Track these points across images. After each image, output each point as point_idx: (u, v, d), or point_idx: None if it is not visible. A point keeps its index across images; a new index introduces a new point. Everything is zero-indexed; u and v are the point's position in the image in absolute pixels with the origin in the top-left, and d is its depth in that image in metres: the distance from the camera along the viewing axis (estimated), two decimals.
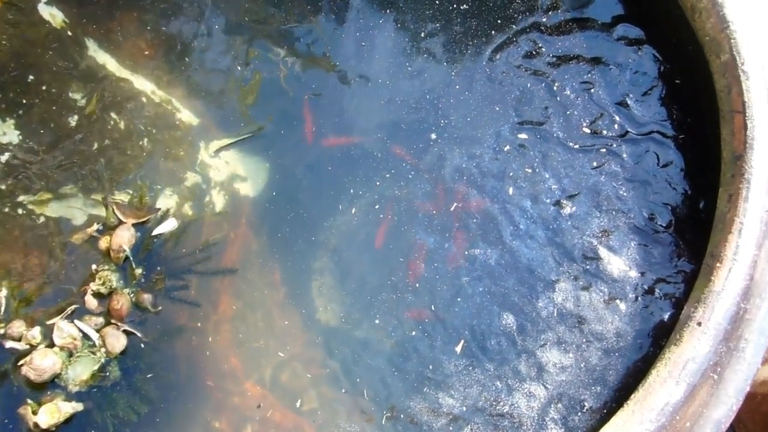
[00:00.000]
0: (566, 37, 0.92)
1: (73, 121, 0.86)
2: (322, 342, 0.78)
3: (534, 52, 0.91)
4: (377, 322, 0.80)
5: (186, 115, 0.85)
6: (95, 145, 0.84)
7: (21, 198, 0.80)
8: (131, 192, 0.79)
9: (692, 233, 0.84)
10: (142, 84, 0.85)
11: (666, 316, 0.81)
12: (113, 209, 0.76)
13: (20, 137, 0.82)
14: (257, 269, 0.80)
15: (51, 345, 0.68)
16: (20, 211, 0.80)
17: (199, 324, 0.76)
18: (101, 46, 0.85)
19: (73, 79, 0.85)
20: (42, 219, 0.79)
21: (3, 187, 0.79)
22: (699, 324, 0.73)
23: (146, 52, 0.87)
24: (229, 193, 0.83)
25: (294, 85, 0.89)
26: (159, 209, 0.78)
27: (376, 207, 0.85)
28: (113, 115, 0.86)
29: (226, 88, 0.87)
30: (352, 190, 0.86)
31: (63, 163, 0.83)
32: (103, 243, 0.74)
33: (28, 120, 0.83)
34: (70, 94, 0.86)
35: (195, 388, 0.75)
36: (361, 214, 0.85)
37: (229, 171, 0.83)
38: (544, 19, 0.92)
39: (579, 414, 0.78)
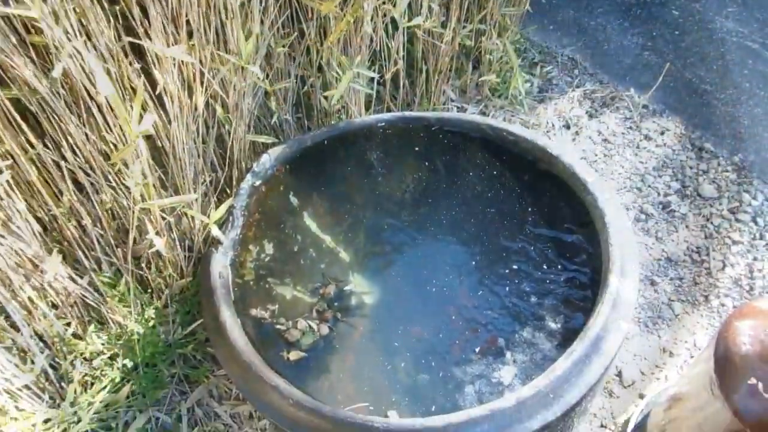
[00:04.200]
0: None
1: (296, 247, 1.51)
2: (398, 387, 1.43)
3: None
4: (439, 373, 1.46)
5: (343, 255, 1.48)
6: (302, 261, 1.60)
7: (269, 278, 1.60)
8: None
9: None
10: (326, 238, 1.48)
11: None
12: (325, 274, 1.55)
13: (273, 251, 1.62)
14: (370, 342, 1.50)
15: (296, 327, 1.43)
16: (266, 285, 1.60)
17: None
18: (308, 216, 1.51)
19: (296, 232, 1.50)
20: (275, 292, 1.54)
21: (263, 272, 1.58)
22: None
23: (330, 222, 1.48)
24: (360, 299, 1.60)
25: None
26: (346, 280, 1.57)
27: None
28: (311, 251, 1.67)
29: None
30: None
31: (287, 266, 1.57)
32: (322, 290, 1.52)
33: (276, 245, 1.61)
34: (293, 248, 1.66)
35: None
36: None
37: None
38: None
39: None
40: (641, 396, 1.68)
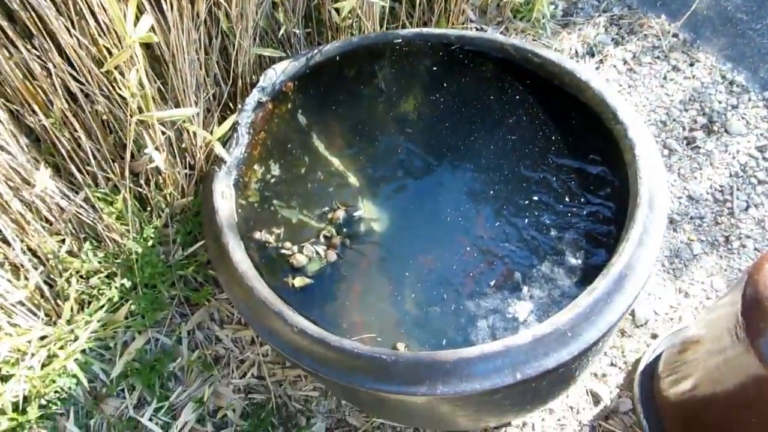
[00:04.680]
0: None
1: (303, 168, 1.40)
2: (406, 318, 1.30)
3: None
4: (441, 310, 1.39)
5: (352, 180, 1.36)
6: (309, 185, 1.41)
7: (274, 201, 1.50)
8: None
9: None
10: (333, 160, 1.39)
11: None
12: (335, 201, 1.47)
13: (279, 171, 1.52)
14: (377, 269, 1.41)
15: (301, 252, 1.36)
16: (272, 207, 1.51)
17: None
18: (317, 137, 1.42)
19: (304, 149, 1.42)
20: (279, 216, 1.45)
21: (268, 194, 1.47)
22: None
23: (340, 144, 1.40)
24: (369, 224, 1.51)
25: None
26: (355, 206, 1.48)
27: None
28: (319, 173, 1.56)
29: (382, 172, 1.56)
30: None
31: (293, 188, 1.37)
32: (330, 215, 1.43)
33: (282, 165, 1.42)
34: (303, 157, 1.48)
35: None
36: None
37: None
38: None
39: None
40: (654, 336, 1.63)
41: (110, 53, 1.16)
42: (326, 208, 1.30)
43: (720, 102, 2.14)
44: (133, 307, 1.37)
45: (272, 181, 1.36)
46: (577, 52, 2.25)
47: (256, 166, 1.38)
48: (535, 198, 1.32)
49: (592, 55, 2.26)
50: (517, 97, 1.48)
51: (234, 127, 1.34)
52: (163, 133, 1.32)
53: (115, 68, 1.14)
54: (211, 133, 1.26)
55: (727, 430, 1.33)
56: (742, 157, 2.00)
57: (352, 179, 1.37)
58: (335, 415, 1.47)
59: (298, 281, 1.23)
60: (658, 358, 1.56)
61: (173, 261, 1.44)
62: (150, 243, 1.40)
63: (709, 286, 1.75)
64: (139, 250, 1.37)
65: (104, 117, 1.34)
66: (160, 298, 1.43)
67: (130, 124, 1.22)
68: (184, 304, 1.49)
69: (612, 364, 1.59)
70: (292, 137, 1.43)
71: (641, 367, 1.57)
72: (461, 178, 1.37)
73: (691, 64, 2.24)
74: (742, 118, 2.08)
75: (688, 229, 1.86)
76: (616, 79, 2.21)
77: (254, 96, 1.41)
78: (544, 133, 1.41)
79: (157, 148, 1.29)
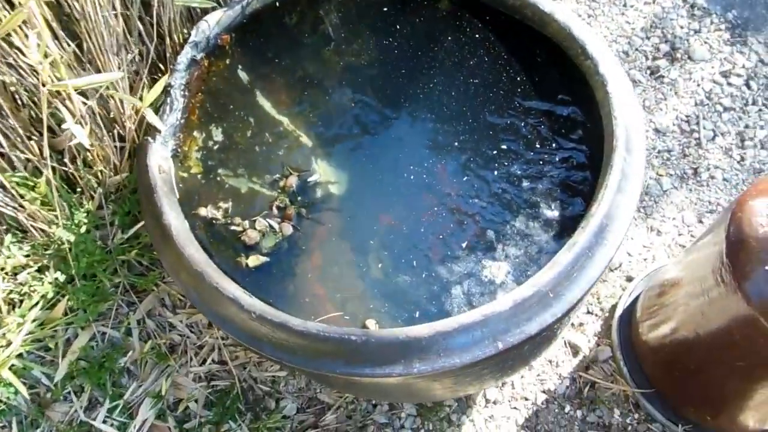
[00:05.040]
0: None
1: (249, 131, 1.25)
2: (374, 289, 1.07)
3: None
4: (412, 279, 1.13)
5: (305, 140, 1.23)
6: (256, 148, 1.23)
7: (219, 170, 1.35)
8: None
9: None
10: (281, 119, 1.26)
11: None
12: (287, 167, 1.32)
13: (222, 137, 1.28)
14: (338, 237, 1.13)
15: (254, 228, 1.24)
16: (218, 178, 1.35)
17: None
18: (262, 94, 1.28)
19: (248, 111, 1.26)
20: (227, 186, 1.20)
21: (211, 163, 1.22)
22: None
23: (286, 101, 1.26)
24: (326, 188, 1.31)
25: None
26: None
27: None
28: (267, 134, 1.38)
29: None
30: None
31: (243, 154, 1.21)
32: (281, 183, 1.29)
33: (226, 129, 1.23)
34: (247, 118, 1.26)
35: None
36: None
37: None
38: None
39: None
40: (629, 279, 1.58)
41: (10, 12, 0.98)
42: (277, 175, 1.18)
43: (682, 27, 2.04)
44: (71, 302, 1.23)
45: (215, 148, 1.22)
46: None
47: (195, 133, 1.24)
48: (504, 147, 1.21)
49: None
50: (477, 36, 1.35)
51: (167, 91, 1.18)
52: (85, 103, 1.15)
53: (15, 31, 0.97)
54: (141, 99, 1.11)
55: (710, 372, 1.29)
56: (706, 84, 1.93)
57: (304, 140, 1.23)
58: (306, 393, 1.38)
59: (252, 260, 1.11)
60: (635, 301, 1.51)
61: (113, 246, 1.30)
62: (83, 228, 1.25)
63: (681, 222, 1.69)
64: (72, 238, 1.23)
65: (12, 89, 1.16)
66: (101, 288, 1.29)
67: (44, 95, 1.05)
68: (130, 292, 1.36)
69: (588, 312, 1.54)
70: (234, 97, 1.28)
71: (618, 312, 1.52)
72: (422, 129, 1.25)
73: None
74: (705, 42, 2.00)
75: (656, 164, 1.79)
76: (575, 9, 2.09)
77: (187, 53, 1.25)
78: (508, 75, 1.29)
79: (78, 121, 1.13)
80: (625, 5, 2.09)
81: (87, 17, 1.13)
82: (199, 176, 1.21)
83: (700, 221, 1.58)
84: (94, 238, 1.28)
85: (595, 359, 1.46)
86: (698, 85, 1.92)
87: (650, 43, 2.02)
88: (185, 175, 1.19)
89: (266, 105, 1.31)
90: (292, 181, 1.21)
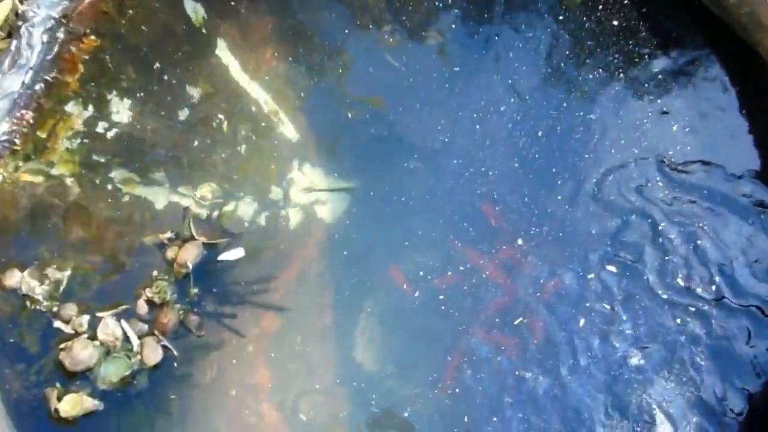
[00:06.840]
0: (687, 177, 0.87)
1: (183, 114, 0.88)
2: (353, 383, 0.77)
3: (648, 184, 0.86)
4: (409, 392, 0.78)
5: (288, 130, 0.87)
6: (196, 142, 0.86)
7: (113, 174, 0.82)
8: (211, 203, 0.79)
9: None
10: (256, 91, 0.88)
11: None
12: (189, 222, 0.75)
13: (131, 118, 0.84)
14: (311, 291, 0.80)
15: (93, 337, 0.69)
16: (109, 186, 0.82)
17: (236, 338, 0.74)
18: (229, 48, 0.88)
19: (194, 75, 0.87)
20: (126, 198, 0.79)
21: (103, 160, 0.81)
22: None
23: (270, 62, 0.90)
24: (306, 213, 0.82)
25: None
26: (232, 234, 0.77)
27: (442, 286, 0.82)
28: (221, 116, 0.88)
29: (337, 115, 0.88)
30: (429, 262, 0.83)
31: (161, 150, 0.84)
32: (171, 253, 0.71)
33: (143, 104, 0.85)
34: (187, 88, 0.88)
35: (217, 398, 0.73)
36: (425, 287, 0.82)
37: (312, 194, 0.83)
38: (670, 152, 0.87)
39: None
40: None
41: None
42: (169, 234, 0.73)
43: None
44: None
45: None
46: None
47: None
48: None
49: None
50: None
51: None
52: None
53: None
54: None
55: None
56: None
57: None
58: None
59: (70, 405, 0.63)
60: None
61: None
62: None
63: None
64: None
65: None
66: None
67: None
68: None
69: None
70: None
71: None
72: None
73: None
74: None
75: None
76: None
77: None
78: None
79: None
80: None
81: None
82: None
83: None
84: None
85: None
86: None
87: None
88: None
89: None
90: (191, 253, 0.64)
